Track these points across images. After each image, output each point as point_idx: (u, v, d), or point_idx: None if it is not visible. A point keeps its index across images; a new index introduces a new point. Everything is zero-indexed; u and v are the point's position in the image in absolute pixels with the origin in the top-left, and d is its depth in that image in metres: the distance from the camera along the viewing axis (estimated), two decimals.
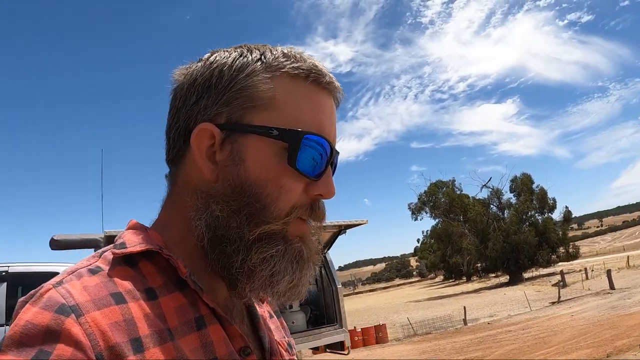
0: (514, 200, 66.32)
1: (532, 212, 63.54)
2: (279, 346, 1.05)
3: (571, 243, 66.02)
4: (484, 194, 68.58)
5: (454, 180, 69.35)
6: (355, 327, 25.98)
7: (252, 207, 0.86)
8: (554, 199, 63.84)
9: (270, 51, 0.93)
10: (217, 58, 0.93)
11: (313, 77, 0.92)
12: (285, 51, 0.93)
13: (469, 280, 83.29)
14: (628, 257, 53.37)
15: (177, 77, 0.96)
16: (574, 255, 64.30)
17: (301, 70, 0.91)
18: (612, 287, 28.46)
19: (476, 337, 20.23)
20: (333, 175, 0.97)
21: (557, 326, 18.89)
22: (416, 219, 69.65)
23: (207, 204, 0.88)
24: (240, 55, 0.92)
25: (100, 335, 0.71)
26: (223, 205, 0.87)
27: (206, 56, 0.95)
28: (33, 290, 0.76)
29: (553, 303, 27.89)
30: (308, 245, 0.93)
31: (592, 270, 39.67)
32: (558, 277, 44.44)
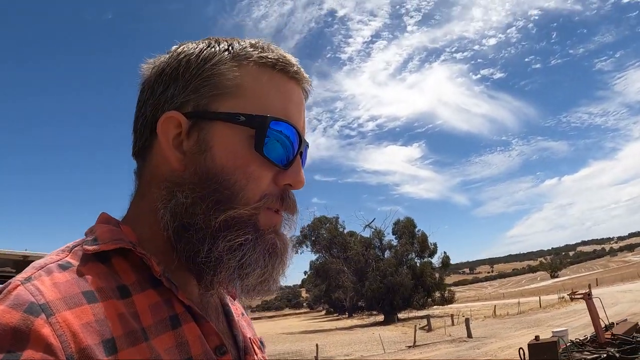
0: (395, 242, 67.77)
1: (412, 255, 65.35)
2: (253, 344, 1.06)
3: (447, 288, 68.26)
4: (367, 234, 69.91)
5: (338, 217, 70.37)
6: None
7: (219, 194, 0.85)
8: (434, 244, 66.01)
9: (238, 42, 0.94)
10: (185, 49, 0.94)
11: (280, 66, 0.94)
12: (253, 42, 0.96)
13: (350, 316, 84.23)
14: (495, 306, 56.12)
15: (145, 70, 0.97)
16: (449, 300, 66.49)
17: (268, 60, 0.93)
18: (469, 335, 29.84)
19: None
20: (303, 167, 0.97)
21: None
22: (296, 252, 67.98)
23: (172, 192, 0.87)
24: (208, 46, 0.93)
25: (72, 336, 0.67)
26: (189, 192, 0.85)
27: (173, 48, 0.96)
28: (1, 286, 0.73)
29: (409, 347, 28.83)
30: (282, 239, 0.93)
31: (463, 317, 41.65)
32: (434, 320, 45.82)
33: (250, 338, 1.07)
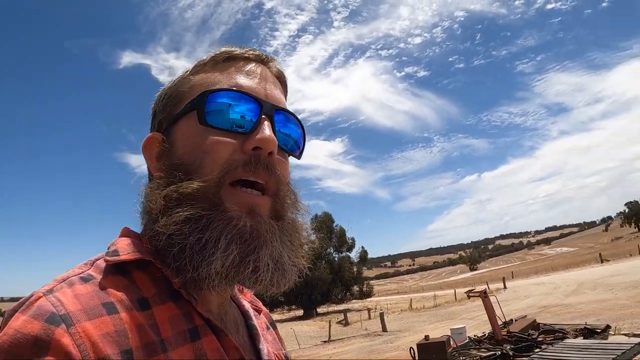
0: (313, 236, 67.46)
1: (330, 250, 65.18)
2: (277, 358, 1.08)
3: (366, 282, 68.84)
4: None
5: None
6: None
7: (178, 179, 0.88)
8: (352, 239, 66.20)
9: (210, 57, 1.02)
10: (164, 86, 1.06)
11: (226, 54, 1.00)
12: (222, 50, 1.02)
13: (271, 310, 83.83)
14: (411, 299, 56.83)
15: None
16: (368, 294, 67.17)
17: (217, 55, 1.01)
18: (384, 329, 30.05)
19: None
20: (290, 132, 1.01)
21: None
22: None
23: (148, 197, 0.92)
24: (183, 73, 1.04)
25: (91, 346, 0.69)
26: (156, 191, 0.89)
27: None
28: (23, 298, 0.75)
29: (324, 342, 28.77)
30: (258, 220, 0.89)
31: (380, 310, 41.83)
32: (352, 314, 46.18)
33: (274, 353, 1.08)
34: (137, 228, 0.98)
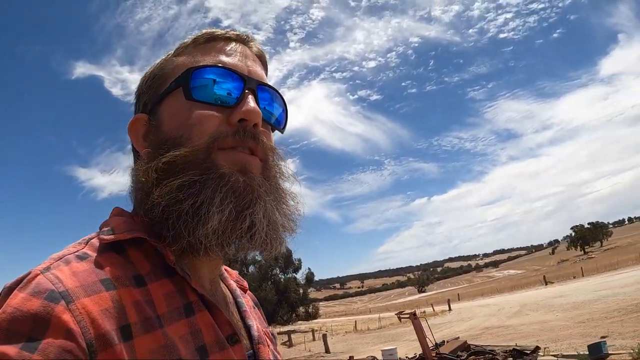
0: (259, 257, 66.80)
1: (276, 271, 64.92)
2: (265, 335, 1.09)
3: (312, 303, 68.44)
4: None
5: None
6: None
7: (167, 152, 0.90)
8: (299, 260, 65.51)
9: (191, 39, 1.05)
10: (147, 70, 1.08)
11: (207, 36, 1.04)
12: (201, 31, 1.06)
13: None
14: (356, 321, 56.64)
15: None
16: (314, 315, 66.56)
17: (199, 36, 1.04)
18: (327, 350, 29.99)
19: None
20: (272, 106, 1.04)
21: None
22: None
23: (137, 176, 0.94)
24: (165, 55, 1.07)
25: (90, 322, 0.70)
26: (145, 167, 0.91)
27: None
28: (20, 276, 0.75)
29: None
30: (250, 177, 0.91)
31: (325, 332, 41.46)
32: (297, 335, 46.25)
33: (262, 330, 1.10)
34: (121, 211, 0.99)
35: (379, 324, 50.22)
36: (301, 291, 65.35)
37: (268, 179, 0.96)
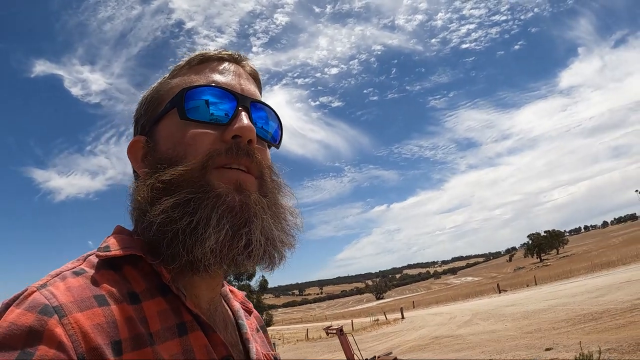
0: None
1: (230, 278, 63.98)
2: (266, 359, 1.11)
3: (265, 311, 68.21)
4: None
5: None
6: None
7: (163, 172, 0.92)
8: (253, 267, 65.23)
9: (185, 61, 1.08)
10: (144, 93, 1.11)
11: (201, 57, 1.07)
12: (195, 53, 1.08)
13: None
14: (307, 329, 56.23)
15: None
16: (267, 323, 66.14)
17: (192, 58, 1.07)
18: None
19: None
20: (267, 124, 1.06)
21: None
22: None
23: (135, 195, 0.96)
24: (161, 78, 1.09)
25: (82, 336, 0.72)
26: (143, 188, 0.92)
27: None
28: (17, 293, 0.78)
29: None
30: (246, 196, 0.92)
31: (279, 340, 40.89)
32: None
33: (264, 353, 1.12)
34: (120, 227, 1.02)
35: None
36: (255, 298, 64.55)
37: (265, 195, 0.98)
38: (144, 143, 1.02)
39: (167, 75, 1.07)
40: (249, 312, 1.20)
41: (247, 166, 0.95)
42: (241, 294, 1.26)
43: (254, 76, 1.12)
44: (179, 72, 1.06)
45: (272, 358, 1.16)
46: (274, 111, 1.08)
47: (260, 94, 1.12)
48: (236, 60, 1.09)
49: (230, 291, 1.21)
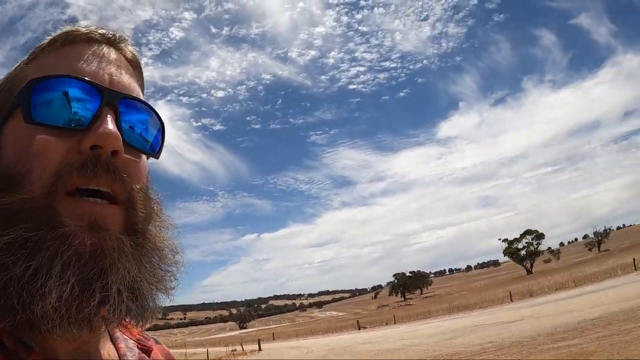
0: None
1: None
2: None
3: None
4: None
5: None
6: None
7: (4, 189, 0.69)
8: None
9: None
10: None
11: (66, 35, 0.82)
12: (61, 30, 0.83)
13: None
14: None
15: None
16: None
17: (56, 36, 0.82)
18: None
19: None
20: (147, 127, 0.84)
21: None
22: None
23: None
24: (20, 61, 0.85)
25: None
26: None
27: None
28: None
29: None
30: (100, 237, 0.70)
31: None
32: None
33: None
34: None
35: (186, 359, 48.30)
36: None
37: (133, 231, 0.77)
38: None
39: (26, 58, 0.83)
40: (148, 351, 0.95)
41: (110, 187, 0.74)
42: (137, 331, 0.98)
43: (134, 64, 0.87)
44: (38, 55, 0.81)
45: None
46: (154, 111, 0.85)
47: (142, 89, 0.88)
48: (111, 42, 0.85)
49: (123, 328, 0.94)
